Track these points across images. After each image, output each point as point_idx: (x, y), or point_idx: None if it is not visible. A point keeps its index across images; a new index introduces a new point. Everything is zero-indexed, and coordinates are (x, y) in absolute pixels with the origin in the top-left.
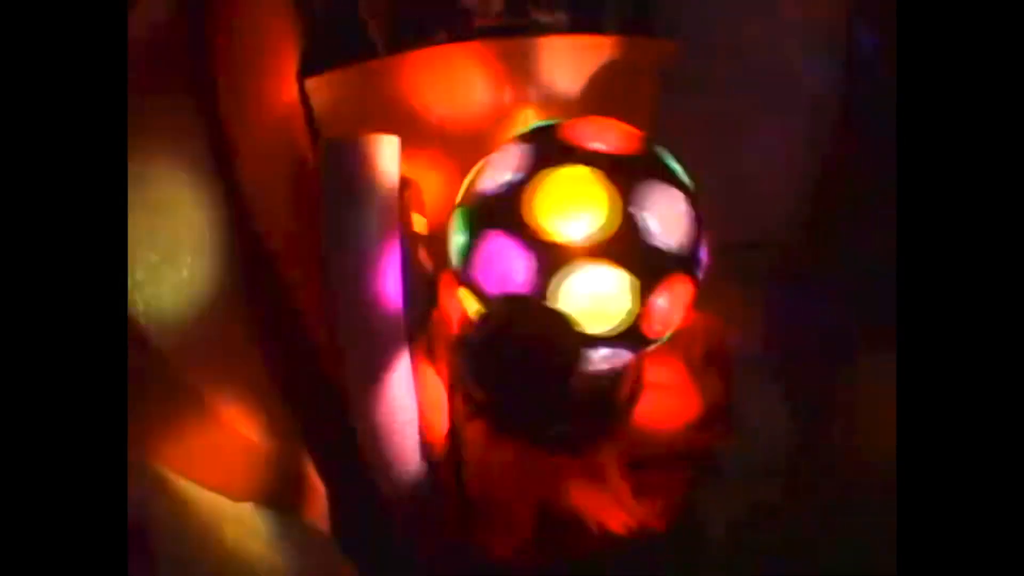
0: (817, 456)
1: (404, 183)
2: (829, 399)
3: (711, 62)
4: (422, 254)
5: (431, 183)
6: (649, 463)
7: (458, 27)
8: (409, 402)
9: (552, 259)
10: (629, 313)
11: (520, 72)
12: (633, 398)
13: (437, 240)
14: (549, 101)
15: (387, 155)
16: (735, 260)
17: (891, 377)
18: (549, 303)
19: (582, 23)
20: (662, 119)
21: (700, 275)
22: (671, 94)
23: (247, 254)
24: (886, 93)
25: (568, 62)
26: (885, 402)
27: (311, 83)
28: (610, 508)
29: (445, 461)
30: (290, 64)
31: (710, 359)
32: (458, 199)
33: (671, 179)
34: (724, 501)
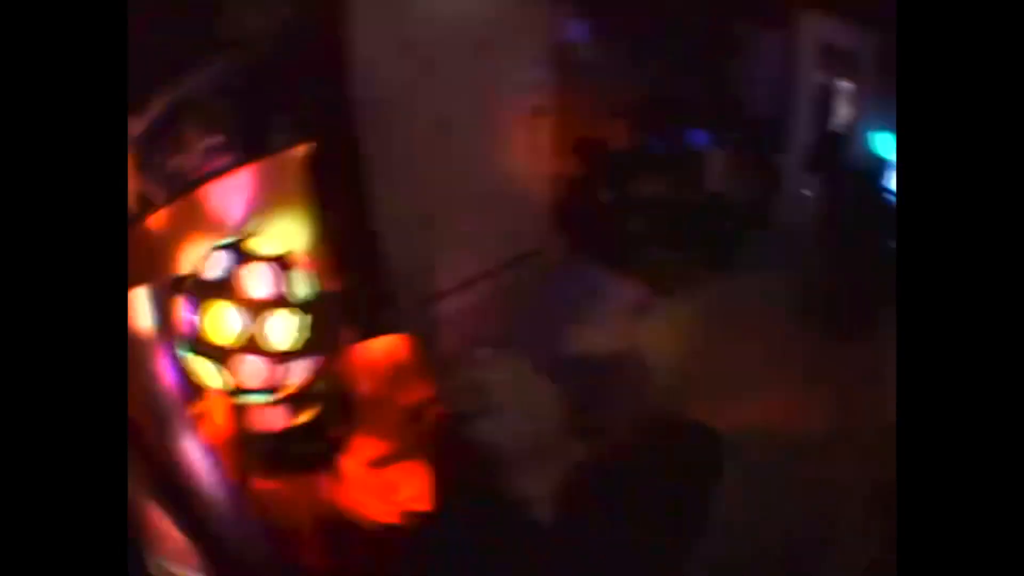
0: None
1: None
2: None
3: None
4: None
5: None
6: (388, 459)
7: (176, 185)
8: (201, 458)
9: None
10: None
11: (222, 206)
12: (348, 415)
13: None
14: (242, 222)
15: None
16: (503, 276)
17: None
18: None
19: (256, 150)
20: (393, 175)
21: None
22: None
23: None
24: (602, 88)
25: (246, 187)
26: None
27: None
28: (372, 504)
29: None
30: None
31: (402, 369)
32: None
33: None
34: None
